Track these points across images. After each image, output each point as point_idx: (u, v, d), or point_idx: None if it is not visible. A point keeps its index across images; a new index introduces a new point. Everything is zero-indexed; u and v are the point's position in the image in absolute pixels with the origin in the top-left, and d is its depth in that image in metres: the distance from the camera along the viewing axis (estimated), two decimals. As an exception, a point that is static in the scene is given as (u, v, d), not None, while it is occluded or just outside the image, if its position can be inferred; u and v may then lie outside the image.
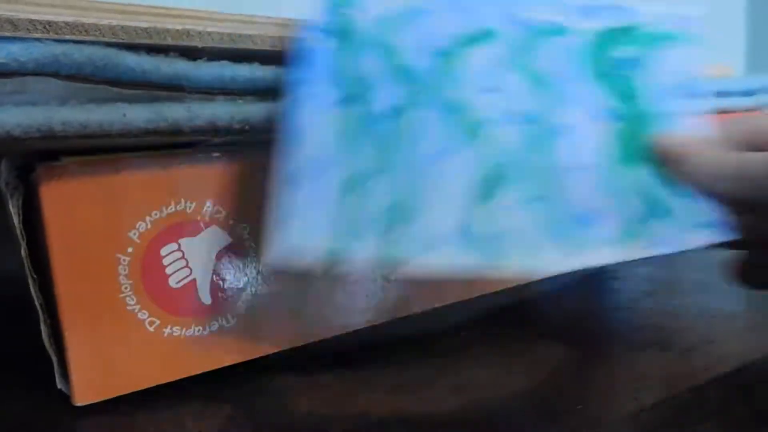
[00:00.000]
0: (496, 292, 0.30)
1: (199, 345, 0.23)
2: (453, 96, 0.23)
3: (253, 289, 0.24)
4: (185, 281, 0.22)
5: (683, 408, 0.22)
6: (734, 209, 0.23)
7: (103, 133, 0.19)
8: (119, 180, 0.21)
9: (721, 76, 0.38)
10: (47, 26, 0.18)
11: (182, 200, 0.22)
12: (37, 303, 0.21)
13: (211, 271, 0.23)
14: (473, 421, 0.21)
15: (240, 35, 0.21)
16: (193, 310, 0.23)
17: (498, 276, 0.28)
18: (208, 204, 0.23)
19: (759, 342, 0.26)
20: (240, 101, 0.22)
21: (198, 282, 0.23)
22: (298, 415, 0.21)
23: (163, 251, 0.22)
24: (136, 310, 0.22)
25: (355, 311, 0.26)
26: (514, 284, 0.30)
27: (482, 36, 0.23)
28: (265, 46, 0.22)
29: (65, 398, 0.21)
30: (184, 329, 0.22)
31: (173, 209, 0.22)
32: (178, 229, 0.22)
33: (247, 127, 0.22)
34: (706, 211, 0.24)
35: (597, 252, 0.23)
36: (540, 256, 0.22)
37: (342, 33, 0.22)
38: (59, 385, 0.22)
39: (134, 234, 0.21)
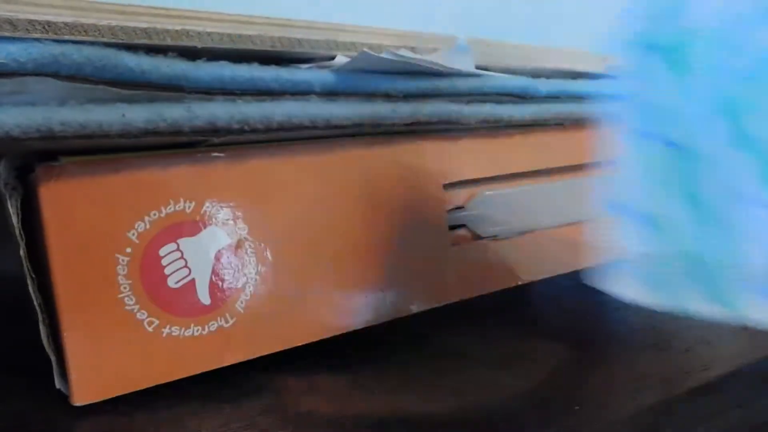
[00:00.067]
0: (496, 292, 0.30)
1: (199, 345, 0.23)
2: None
3: (252, 290, 0.24)
4: (184, 281, 0.22)
5: (682, 408, 0.22)
6: None
7: (103, 134, 0.19)
8: (118, 180, 0.21)
9: None
10: (46, 26, 0.18)
11: (181, 200, 0.22)
12: (35, 303, 0.21)
13: (211, 272, 0.23)
14: (473, 421, 0.21)
15: (240, 35, 0.22)
16: (192, 311, 0.23)
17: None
18: (207, 204, 0.23)
19: (756, 343, 0.26)
20: (239, 101, 0.22)
21: (197, 282, 0.23)
22: (297, 415, 0.21)
23: (162, 251, 0.22)
24: (135, 310, 0.22)
25: (355, 311, 0.26)
26: (514, 284, 0.30)
27: None
28: (265, 46, 0.22)
29: (64, 398, 0.21)
30: (183, 329, 0.22)
31: (172, 209, 0.22)
32: (177, 229, 0.22)
33: (246, 127, 0.22)
34: None
35: None
36: None
37: (670, 50, 0.18)
38: (58, 385, 0.22)
39: (133, 234, 0.21)
